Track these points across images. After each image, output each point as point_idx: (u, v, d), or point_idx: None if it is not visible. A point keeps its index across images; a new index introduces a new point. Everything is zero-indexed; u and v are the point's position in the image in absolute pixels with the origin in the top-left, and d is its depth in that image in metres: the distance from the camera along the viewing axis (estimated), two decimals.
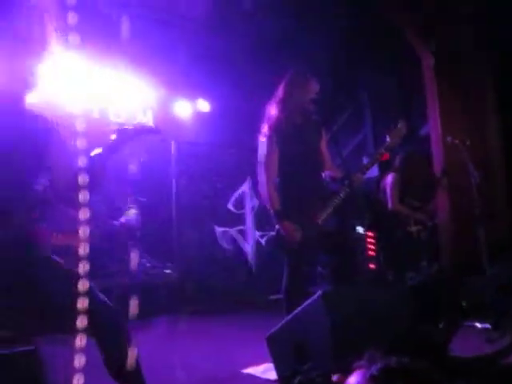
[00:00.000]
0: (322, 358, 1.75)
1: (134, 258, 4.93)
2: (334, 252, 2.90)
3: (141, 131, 1.81)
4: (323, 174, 2.91)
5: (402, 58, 5.44)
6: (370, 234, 5.17)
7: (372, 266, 5.07)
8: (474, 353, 2.37)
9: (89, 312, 1.48)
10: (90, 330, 1.74)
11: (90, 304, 1.46)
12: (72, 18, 1.19)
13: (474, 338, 3.01)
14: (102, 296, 1.75)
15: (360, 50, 5.52)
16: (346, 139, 6.52)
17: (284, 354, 2.00)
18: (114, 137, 1.80)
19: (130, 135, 1.79)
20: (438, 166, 4.89)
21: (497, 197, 4.75)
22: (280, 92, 2.85)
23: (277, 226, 2.75)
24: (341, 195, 2.76)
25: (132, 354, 1.37)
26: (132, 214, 4.99)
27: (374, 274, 4.87)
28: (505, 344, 2.40)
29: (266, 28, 4.99)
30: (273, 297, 4.56)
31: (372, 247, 5.14)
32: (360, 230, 5.18)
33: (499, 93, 4.92)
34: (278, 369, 2.08)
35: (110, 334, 1.66)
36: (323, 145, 2.94)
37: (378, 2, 4.89)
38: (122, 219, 4.98)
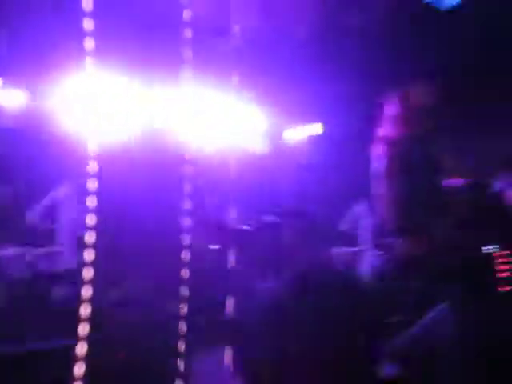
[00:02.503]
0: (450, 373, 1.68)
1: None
2: (465, 271, 2.78)
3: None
4: (448, 182, 2.82)
5: None
6: (503, 252, 4.76)
7: (507, 287, 4.65)
8: None
9: None
10: None
11: None
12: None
13: None
14: None
15: (481, 55, 5.19)
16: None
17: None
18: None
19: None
20: None
21: None
22: (392, 108, 2.87)
23: (393, 242, 2.73)
24: (466, 204, 2.66)
25: None
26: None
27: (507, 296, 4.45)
28: None
29: (375, 48, 5.02)
30: (391, 319, 4.41)
31: (505, 267, 4.72)
32: (492, 247, 4.80)
33: None
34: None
35: None
36: (445, 152, 2.87)
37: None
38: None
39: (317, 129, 6.18)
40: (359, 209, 5.87)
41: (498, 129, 5.98)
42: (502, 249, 4.75)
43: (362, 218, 5.86)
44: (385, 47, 4.93)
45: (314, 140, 6.14)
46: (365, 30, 5.01)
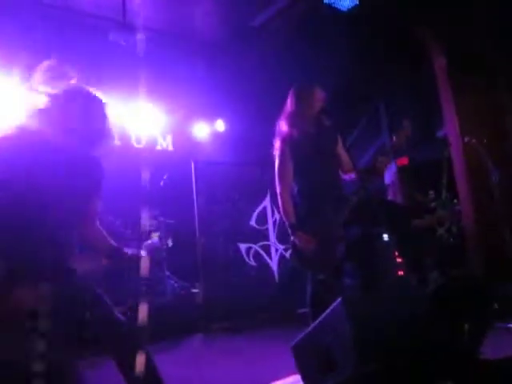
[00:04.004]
0: (346, 365, 1.75)
1: (162, 279, 5.04)
2: (360, 261, 2.90)
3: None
4: (342, 178, 2.92)
5: (417, 62, 5.40)
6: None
7: (401, 272, 5.00)
8: (507, 354, 2.32)
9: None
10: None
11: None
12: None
13: (508, 339, 2.94)
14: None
15: (375, 56, 5.52)
16: (364, 146, 6.52)
17: (309, 363, 2.01)
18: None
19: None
20: (458, 167, 4.83)
21: None
22: (288, 106, 2.90)
23: (292, 238, 2.77)
24: (358, 196, 2.78)
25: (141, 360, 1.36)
26: (156, 236, 5.09)
27: (401, 280, 4.80)
28: None
29: (278, 47, 5.10)
30: (300, 310, 4.54)
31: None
32: (386, 237, 5.13)
33: None
34: (304, 378, 2.09)
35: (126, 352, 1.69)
36: (340, 149, 2.95)
37: (391, 6, 4.87)
38: (147, 242, 5.08)
39: (220, 126, 6.16)
40: (266, 204, 5.97)
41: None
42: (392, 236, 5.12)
43: (269, 213, 5.97)
44: (285, 48, 5.03)
45: (219, 137, 6.12)
46: (266, 31, 5.05)
